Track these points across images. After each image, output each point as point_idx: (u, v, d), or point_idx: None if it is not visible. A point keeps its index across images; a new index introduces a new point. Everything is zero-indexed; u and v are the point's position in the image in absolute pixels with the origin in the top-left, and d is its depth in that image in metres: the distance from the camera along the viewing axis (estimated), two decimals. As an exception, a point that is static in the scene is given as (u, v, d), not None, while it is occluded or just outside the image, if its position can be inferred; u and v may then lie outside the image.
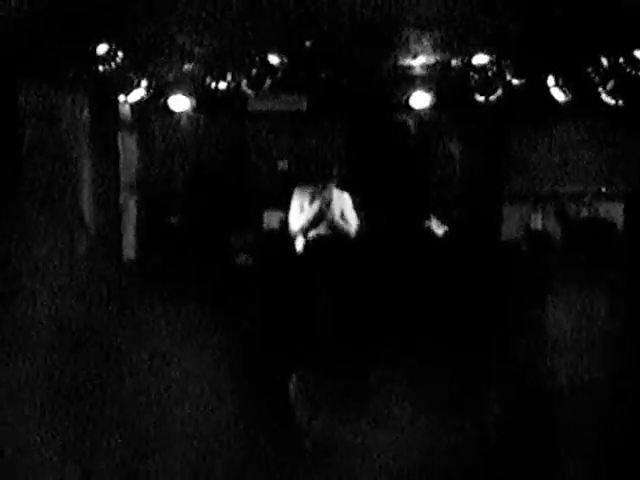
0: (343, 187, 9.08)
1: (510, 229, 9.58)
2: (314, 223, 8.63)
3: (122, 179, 9.47)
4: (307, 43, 8.71)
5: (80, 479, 2.84)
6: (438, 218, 9.84)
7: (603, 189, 9.70)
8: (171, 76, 9.07)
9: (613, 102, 8.58)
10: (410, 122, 10.88)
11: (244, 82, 9.04)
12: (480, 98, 9.08)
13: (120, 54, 8.54)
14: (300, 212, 8.70)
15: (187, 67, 8.96)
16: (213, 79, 9.08)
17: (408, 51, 8.87)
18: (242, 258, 8.71)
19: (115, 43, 8.50)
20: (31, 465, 2.80)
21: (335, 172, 9.16)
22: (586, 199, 9.62)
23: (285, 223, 8.74)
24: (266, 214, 9.85)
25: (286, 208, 8.98)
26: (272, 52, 8.89)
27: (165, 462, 2.85)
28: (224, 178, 10.19)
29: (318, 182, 8.76)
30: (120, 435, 2.90)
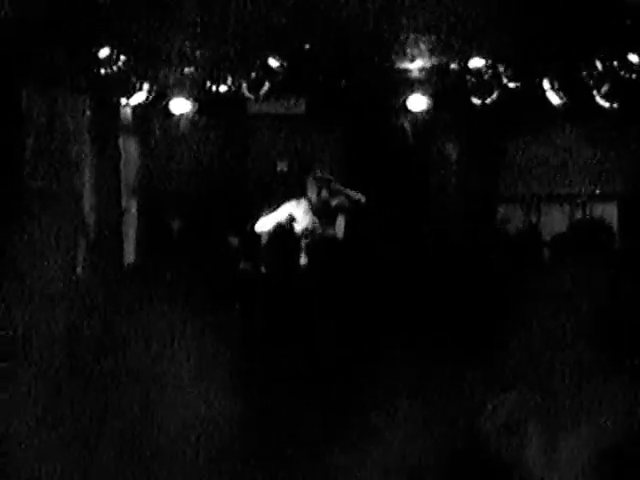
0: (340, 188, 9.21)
1: (506, 230, 9.61)
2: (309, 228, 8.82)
3: (123, 182, 9.47)
4: (306, 46, 8.78)
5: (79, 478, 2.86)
6: (435, 219, 9.87)
7: (597, 190, 9.72)
8: (172, 79, 9.10)
9: (608, 105, 8.62)
10: (408, 125, 10.87)
11: (244, 85, 9.07)
12: (476, 101, 9.12)
13: (122, 58, 8.59)
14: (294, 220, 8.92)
15: (188, 71, 9.01)
16: (213, 82, 9.09)
17: (406, 55, 8.93)
18: (243, 260, 8.78)
19: (117, 47, 8.53)
20: (28, 464, 2.84)
21: (333, 174, 9.26)
22: (580, 200, 9.64)
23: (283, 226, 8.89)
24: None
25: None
26: (271, 56, 8.93)
27: (167, 463, 2.88)
28: (224, 180, 10.21)
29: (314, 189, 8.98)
30: (120, 436, 2.90)
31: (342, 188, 9.11)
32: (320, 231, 8.89)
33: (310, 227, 8.90)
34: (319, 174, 9.08)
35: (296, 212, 9.02)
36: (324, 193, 9.02)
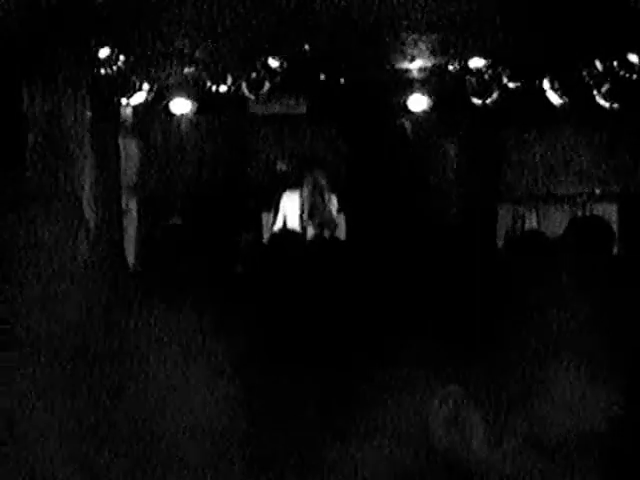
0: (338, 188, 9.24)
1: (505, 229, 9.63)
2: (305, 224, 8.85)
3: (123, 181, 9.49)
4: (306, 46, 8.77)
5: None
6: (435, 219, 9.89)
7: (597, 190, 9.75)
8: (172, 79, 9.16)
9: (608, 105, 8.67)
10: (407, 125, 10.91)
11: (244, 85, 9.11)
12: (476, 101, 9.17)
13: (122, 57, 8.62)
14: (289, 215, 8.94)
15: (188, 70, 9.05)
16: (213, 82, 9.14)
17: (405, 55, 8.96)
18: (242, 260, 8.79)
19: (117, 46, 8.56)
20: (32, 466, 2.83)
21: (332, 173, 9.29)
22: (580, 200, 9.66)
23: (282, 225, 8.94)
24: (265, 216, 9.89)
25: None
26: (272, 55, 8.96)
27: (169, 466, 2.87)
28: (224, 180, 10.23)
29: (309, 185, 9.01)
30: (123, 440, 2.90)
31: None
32: (315, 224, 8.93)
33: (305, 219, 8.95)
34: (317, 176, 9.11)
35: (291, 204, 9.08)
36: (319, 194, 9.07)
